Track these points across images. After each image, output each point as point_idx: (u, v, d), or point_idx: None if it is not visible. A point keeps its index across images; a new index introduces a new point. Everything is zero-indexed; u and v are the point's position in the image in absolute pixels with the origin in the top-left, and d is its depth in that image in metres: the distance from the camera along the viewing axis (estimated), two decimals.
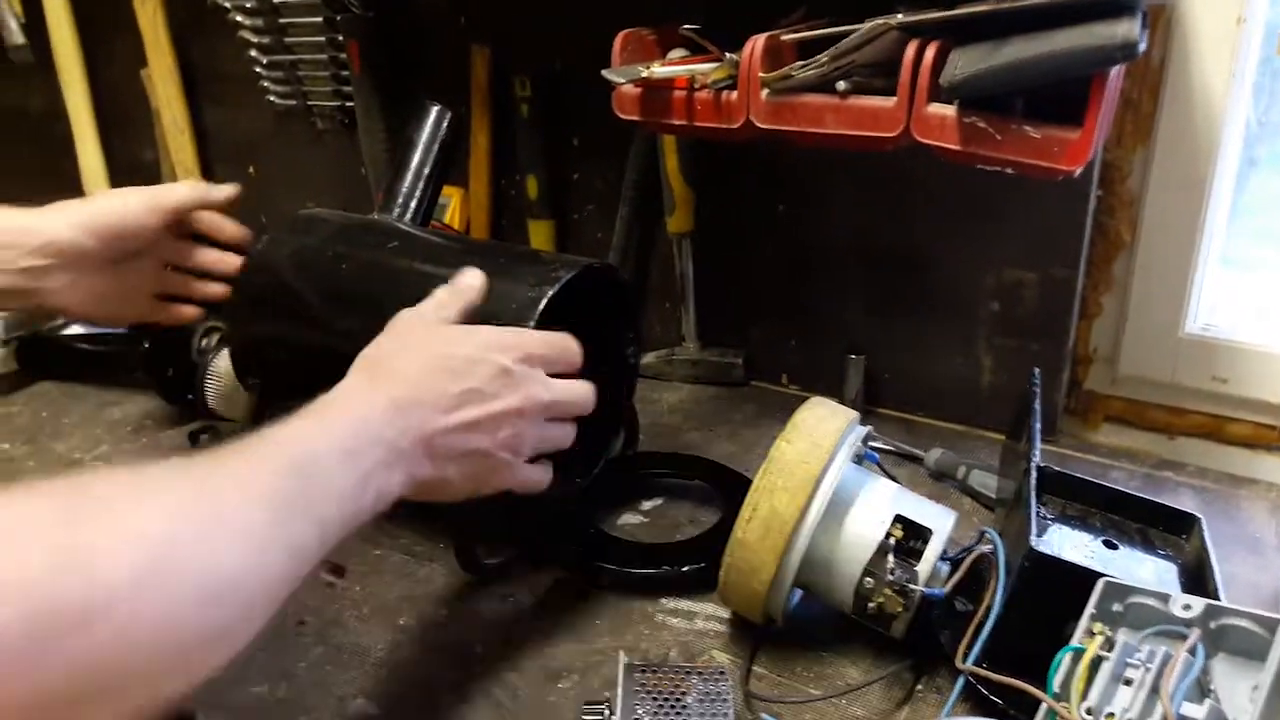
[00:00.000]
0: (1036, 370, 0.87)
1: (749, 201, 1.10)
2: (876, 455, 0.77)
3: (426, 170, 0.90)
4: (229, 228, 0.86)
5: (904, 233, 1.03)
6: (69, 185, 1.62)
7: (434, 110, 0.91)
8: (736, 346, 1.16)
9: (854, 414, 0.73)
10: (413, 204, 0.89)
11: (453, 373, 0.60)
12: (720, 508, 0.89)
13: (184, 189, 0.82)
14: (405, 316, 0.65)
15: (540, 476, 0.67)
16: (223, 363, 1.01)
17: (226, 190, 0.84)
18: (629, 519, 0.89)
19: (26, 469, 0.98)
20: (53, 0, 1.48)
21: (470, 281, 0.69)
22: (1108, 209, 0.99)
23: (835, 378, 1.09)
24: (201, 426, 1.01)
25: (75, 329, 1.18)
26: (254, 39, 1.31)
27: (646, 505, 0.91)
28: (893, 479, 0.76)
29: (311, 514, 0.50)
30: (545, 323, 0.70)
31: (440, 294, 0.67)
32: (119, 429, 1.05)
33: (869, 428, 0.74)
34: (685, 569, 0.78)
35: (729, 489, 0.90)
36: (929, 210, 1.01)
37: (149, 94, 1.49)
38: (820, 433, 0.69)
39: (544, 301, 0.71)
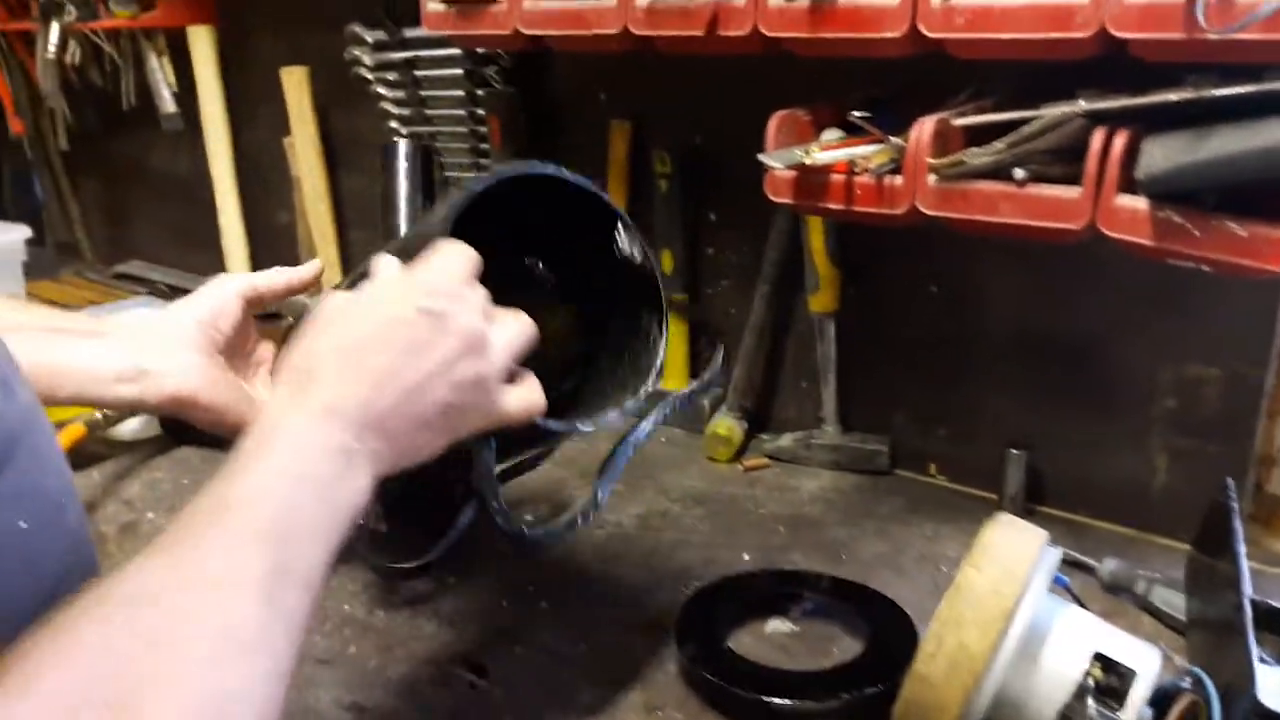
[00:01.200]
0: (1230, 482, 0.80)
1: (898, 281, 1.05)
2: (1066, 579, 0.71)
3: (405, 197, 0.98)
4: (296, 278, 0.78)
5: (1070, 320, 0.97)
6: (210, 245, 1.67)
7: (399, 145, 1.02)
8: (879, 432, 1.11)
9: (1044, 534, 0.67)
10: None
11: (377, 343, 0.54)
12: (860, 626, 0.83)
13: (268, 275, 0.77)
14: (321, 301, 0.59)
15: (530, 398, 0.61)
16: None
17: (309, 271, 0.78)
18: (769, 632, 0.84)
19: None
20: (205, 72, 1.53)
21: (383, 267, 0.61)
22: None
23: (988, 470, 1.03)
24: None
25: None
26: (395, 110, 1.32)
27: (774, 625, 0.85)
28: (1083, 605, 0.70)
29: (300, 575, 0.46)
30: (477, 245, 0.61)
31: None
32: None
33: (1061, 550, 0.68)
34: (845, 698, 0.72)
35: (868, 607, 0.84)
36: (1099, 297, 0.94)
37: (290, 161, 1.52)
38: (1013, 559, 0.63)
39: (454, 214, 0.63)
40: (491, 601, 0.89)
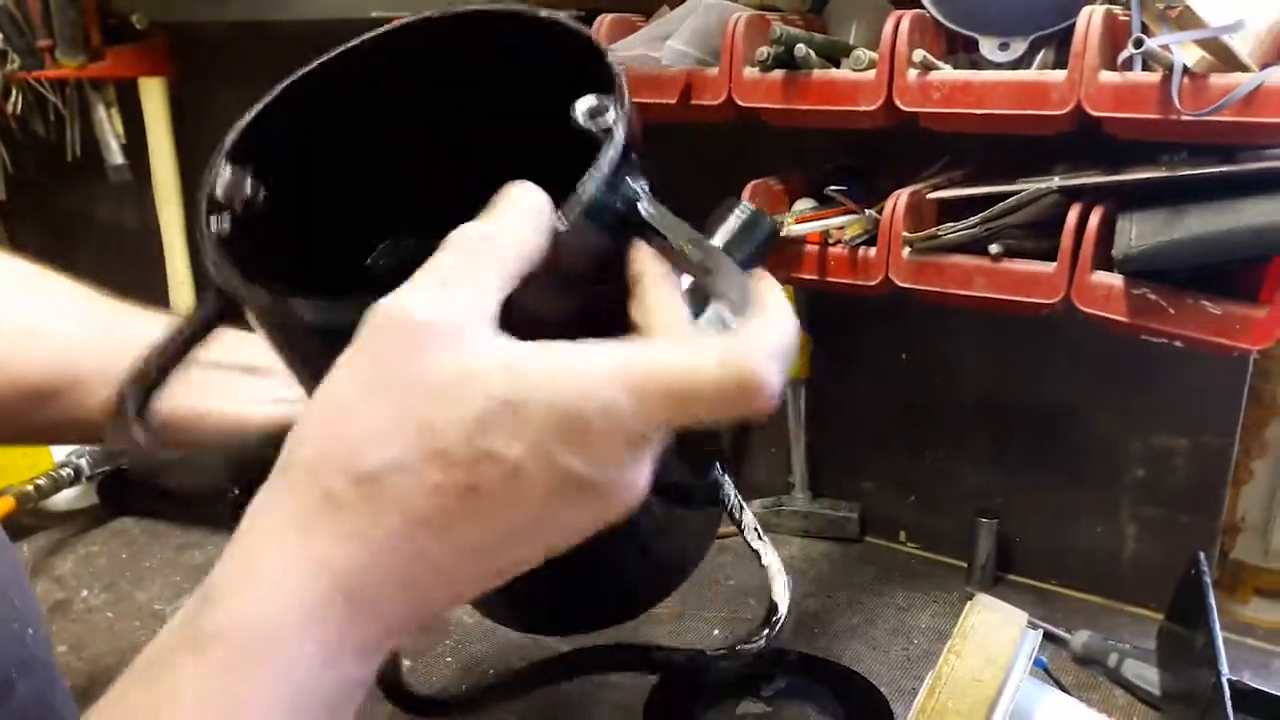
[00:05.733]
0: (1202, 555, 0.80)
1: (868, 349, 1.05)
2: (1045, 661, 0.69)
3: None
4: None
5: (1040, 389, 0.97)
6: (158, 299, 1.61)
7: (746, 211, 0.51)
8: (849, 499, 1.09)
9: (1024, 616, 0.66)
10: None
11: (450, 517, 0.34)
12: (834, 707, 0.81)
13: None
14: (379, 324, 0.34)
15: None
16: None
17: None
18: (740, 713, 0.81)
19: (104, 620, 0.93)
20: (156, 124, 1.49)
21: (525, 204, 0.37)
22: (1262, 372, 0.92)
23: (958, 538, 1.01)
24: None
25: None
26: None
27: (746, 706, 0.82)
28: (1064, 689, 0.68)
29: None
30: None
31: (448, 252, 0.35)
32: (200, 576, 0.99)
33: (1040, 631, 0.67)
34: None
35: (841, 685, 0.82)
36: (1068, 367, 0.94)
37: None
38: (994, 645, 0.62)
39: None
40: (451, 682, 0.85)
